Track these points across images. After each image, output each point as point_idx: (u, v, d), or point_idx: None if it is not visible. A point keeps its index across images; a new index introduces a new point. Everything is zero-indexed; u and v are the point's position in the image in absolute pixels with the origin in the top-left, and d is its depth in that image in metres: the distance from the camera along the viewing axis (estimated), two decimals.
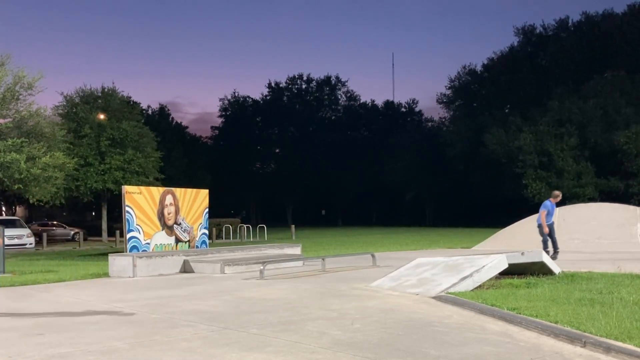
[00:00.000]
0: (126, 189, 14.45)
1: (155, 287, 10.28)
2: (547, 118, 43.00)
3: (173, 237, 15.19)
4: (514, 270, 9.56)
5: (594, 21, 53.63)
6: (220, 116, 77.02)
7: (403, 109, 78.88)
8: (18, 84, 24.15)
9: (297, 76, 77.05)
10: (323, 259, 13.08)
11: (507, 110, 52.40)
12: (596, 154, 42.30)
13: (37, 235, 31.06)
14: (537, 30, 57.29)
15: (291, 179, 69.81)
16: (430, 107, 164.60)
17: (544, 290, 8.11)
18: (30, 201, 26.51)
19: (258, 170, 76.49)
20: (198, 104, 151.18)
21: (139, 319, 7.06)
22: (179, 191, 15.76)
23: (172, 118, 65.31)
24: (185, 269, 13.03)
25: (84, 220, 56.10)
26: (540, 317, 6.18)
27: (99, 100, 35.44)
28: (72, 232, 39.03)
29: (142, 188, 15.62)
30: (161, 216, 14.87)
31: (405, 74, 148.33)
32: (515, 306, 6.82)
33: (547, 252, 11.85)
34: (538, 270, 9.76)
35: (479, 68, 60.89)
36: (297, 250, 15.91)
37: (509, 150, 43.71)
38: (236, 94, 77.30)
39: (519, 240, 18.15)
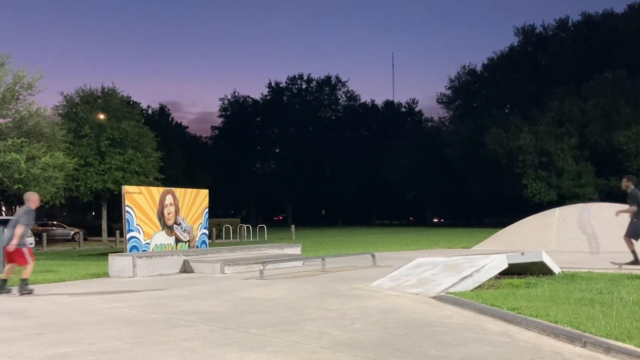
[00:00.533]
0: (126, 189, 14.45)
1: (155, 287, 10.28)
2: (547, 118, 43.03)
3: (173, 237, 15.19)
4: (514, 270, 9.56)
5: (594, 21, 53.65)
6: (220, 116, 77.13)
7: (403, 109, 78.94)
8: (18, 84, 24.15)
9: (297, 76, 77.18)
10: (323, 259, 13.08)
11: (507, 110, 52.43)
12: (596, 154, 42.32)
13: (37, 235, 31.06)
14: (537, 30, 57.34)
15: (291, 179, 69.83)
16: (430, 107, 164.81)
17: (544, 290, 8.11)
18: None
19: (258, 170, 76.53)
20: (198, 104, 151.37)
21: (139, 319, 7.06)
22: (178, 191, 15.77)
23: (172, 118, 65.40)
24: (185, 269, 13.03)
25: (84, 220, 56.11)
26: (540, 317, 6.18)
27: (99, 100, 35.45)
28: (72, 232, 39.04)
29: (142, 188, 15.63)
30: (161, 216, 14.88)
31: (405, 74, 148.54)
32: (515, 306, 6.82)
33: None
34: (538, 270, 9.76)
35: (479, 68, 60.98)
36: (297, 250, 15.91)
37: (509, 150, 43.73)
38: (236, 94, 77.45)
39: (519, 240, 18.14)
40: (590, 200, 36.65)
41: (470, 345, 5.32)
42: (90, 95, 35.41)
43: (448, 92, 63.13)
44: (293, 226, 38.05)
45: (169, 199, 15.16)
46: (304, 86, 77.43)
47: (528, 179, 42.21)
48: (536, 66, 52.90)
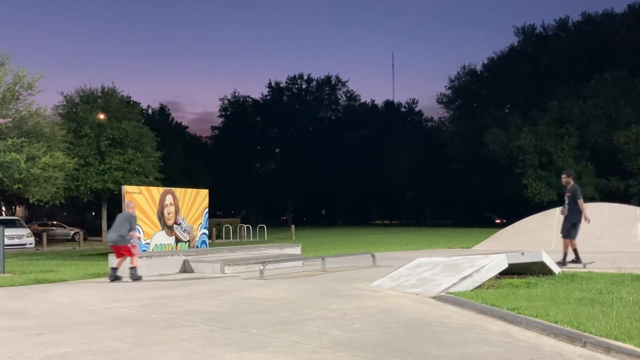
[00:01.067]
0: (126, 188, 14.45)
1: (155, 287, 10.28)
2: (547, 118, 43.01)
3: (173, 237, 15.19)
4: (514, 270, 9.56)
5: (594, 21, 53.63)
6: (220, 116, 77.10)
7: (403, 109, 78.93)
8: (18, 83, 24.14)
9: (297, 76, 77.14)
10: (323, 259, 13.09)
11: (507, 110, 52.40)
12: (596, 154, 42.31)
13: (37, 235, 31.07)
14: (537, 30, 57.31)
15: (291, 179, 69.82)
16: (430, 107, 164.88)
17: (544, 290, 8.11)
18: (30, 201, 26.50)
19: (258, 170, 76.51)
20: (198, 104, 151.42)
21: (139, 319, 7.06)
22: (178, 191, 15.77)
23: (172, 118, 65.41)
24: (185, 269, 13.03)
25: (84, 220, 56.14)
26: (540, 317, 6.18)
27: (99, 100, 35.44)
28: (72, 232, 39.04)
29: (142, 188, 15.63)
30: (161, 216, 14.88)
31: (405, 74, 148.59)
32: (515, 306, 6.82)
33: None
34: (538, 270, 9.76)
35: (479, 68, 60.95)
36: (297, 250, 15.91)
37: (509, 150, 43.73)
38: (236, 94, 77.41)
39: (519, 240, 18.14)
40: (591, 200, 36.65)
41: (470, 345, 5.32)
42: (90, 95, 35.39)
43: (448, 92, 63.12)
44: (293, 226, 38.05)
45: (169, 199, 15.16)
46: (304, 86, 77.41)
47: (528, 179, 42.20)
48: (536, 66, 52.89)
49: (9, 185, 23.55)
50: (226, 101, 76.74)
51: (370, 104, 78.71)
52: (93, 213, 61.92)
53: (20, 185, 23.32)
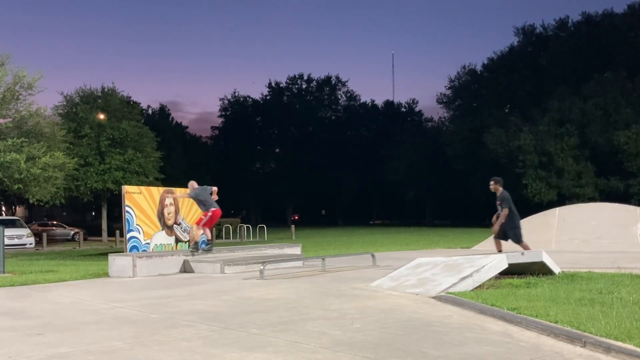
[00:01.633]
0: (126, 188, 14.44)
1: (155, 287, 10.28)
2: (547, 118, 43.02)
3: (173, 237, 15.18)
4: (513, 270, 9.56)
5: (594, 21, 53.60)
6: (220, 116, 77.11)
7: (403, 109, 78.96)
8: (18, 84, 24.16)
9: (297, 76, 77.17)
10: (323, 259, 13.08)
11: (507, 110, 52.40)
12: (596, 154, 42.32)
13: (37, 235, 31.09)
14: (537, 30, 57.29)
15: (291, 179, 69.83)
16: (430, 107, 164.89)
17: (544, 290, 8.11)
18: (30, 201, 26.52)
19: (258, 170, 76.53)
20: (198, 104, 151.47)
21: (139, 319, 7.06)
22: (179, 191, 15.75)
23: (172, 118, 65.40)
24: (185, 268, 13.02)
25: (84, 220, 56.16)
26: (540, 317, 6.18)
27: (99, 100, 35.46)
28: (72, 232, 39.07)
29: (142, 188, 15.61)
30: (161, 216, 14.86)
31: (405, 74, 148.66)
32: (515, 306, 6.82)
33: None
34: (538, 270, 9.76)
35: (479, 68, 60.93)
36: (297, 250, 15.90)
37: (509, 150, 43.74)
38: (236, 94, 77.43)
39: None
40: (591, 200, 36.64)
41: (470, 345, 5.32)
42: (90, 95, 35.41)
43: (448, 92, 63.11)
44: (293, 226, 38.08)
45: (169, 199, 15.15)
46: (304, 86, 77.43)
47: (528, 179, 42.20)
48: (536, 66, 52.87)
49: (9, 185, 23.56)
50: (226, 101, 76.80)
51: (370, 104, 78.76)
52: (93, 213, 61.94)
53: (20, 185, 23.33)
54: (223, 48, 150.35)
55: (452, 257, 10.15)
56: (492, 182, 11.98)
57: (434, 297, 8.01)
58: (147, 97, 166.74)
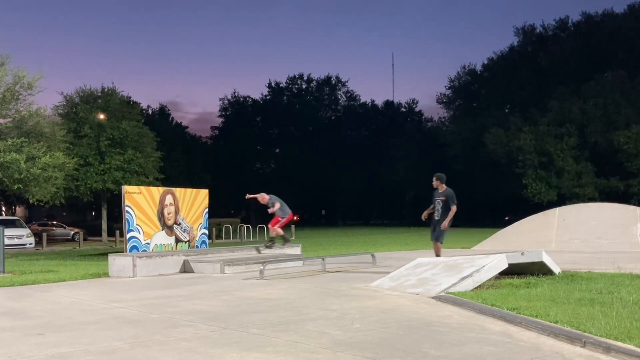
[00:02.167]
0: (126, 188, 14.44)
1: (155, 287, 10.28)
2: (547, 118, 43.04)
3: (173, 237, 15.18)
4: (513, 270, 9.56)
5: (594, 21, 53.63)
6: (220, 116, 77.10)
7: (403, 109, 78.95)
8: (18, 84, 24.14)
9: (297, 76, 77.19)
10: (323, 259, 13.09)
11: (507, 110, 52.43)
12: (596, 154, 42.33)
13: (37, 235, 31.08)
14: (537, 30, 57.33)
15: (291, 179, 69.81)
16: (430, 107, 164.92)
17: (544, 290, 8.11)
18: (30, 201, 26.51)
19: (258, 170, 76.49)
20: (198, 104, 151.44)
21: (139, 319, 7.06)
22: (178, 191, 15.75)
23: (172, 118, 65.40)
24: (185, 269, 13.03)
25: (84, 220, 56.18)
26: (540, 317, 6.18)
27: (99, 100, 35.44)
28: (72, 232, 39.06)
29: (142, 188, 15.61)
30: (161, 216, 14.86)
31: (405, 74, 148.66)
32: (515, 306, 6.82)
33: None
34: (538, 270, 9.76)
35: (479, 68, 60.96)
36: (297, 250, 15.90)
37: (509, 150, 43.74)
38: (236, 94, 77.42)
39: (519, 240, 18.15)
40: (591, 200, 36.64)
41: (470, 345, 5.32)
42: (90, 95, 35.39)
43: (448, 92, 63.15)
44: (293, 226, 38.03)
45: (168, 199, 15.15)
46: (304, 86, 77.44)
47: (528, 179, 42.21)
48: (536, 66, 52.90)
49: (8, 185, 23.55)
50: (226, 101, 76.80)
51: (370, 104, 78.75)
52: (93, 213, 61.96)
53: (20, 185, 23.32)
54: (223, 48, 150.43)
55: (452, 257, 10.15)
56: (434, 178, 11.72)
57: (434, 297, 8.01)
58: (147, 97, 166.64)
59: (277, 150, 77.33)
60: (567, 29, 55.54)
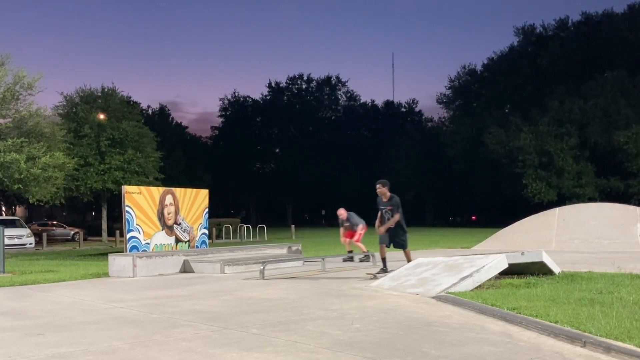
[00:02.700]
0: (126, 189, 14.45)
1: (155, 287, 10.28)
2: (547, 118, 43.01)
3: (173, 237, 15.19)
4: (513, 270, 9.56)
5: (594, 21, 53.61)
6: (220, 116, 77.05)
7: (403, 109, 78.91)
8: (18, 84, 24.15)
9: (297, 76, 77.12)
10: (323, 259, 13.10)
11: (507, 110, 52.41)
12: (596, 154, 42.31)
13: (37, 235, 31.07)
14: (537, 30, 57.29)
15: (291, 179, 69.78)
16: (430, 107, 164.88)
17: (544, 290, 8.10)
18: (30, 201, 26.51)
19: (258, 170, 76.46)
20: (198, 104, 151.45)
21: (139, 319, 7.06)
22: (178, 191, 15.76)
23: (172, 118, 65.39)
24: (185, 269, 13.03)
25: (84, 220, 56.19)
26: (540, 317, 6.18)
27: (99, 100, 35.45)
28: (72, 232, 39.05)
29: (142, 188, 15.62)
30: (161, 216, 14.87)
31: (405, 74, 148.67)
32: (515, 306, 6.81)
33: None
34: (538, 270, 9.76)
35: (479, 68, 60.94)
36: (297, 250, 15.91)
37: (509, 150, 43.73)
38: (236, 94, 77.37)
39: (518, 240, 18.15)
40: (591, 200, 36.64)
41: (470, 345, 5.32)
42: (90, 95, 35.40)
43: (448, 92, 63.11)
44: (293, 226, 38.06)
45: (168, 199, 15.16)
46: (304, 86, 77.39)
47: (528, 179, 42.19)
48: (536, 66, 52.89)
49: (9, 185, 23.56)
50: (226, 101, 76.74)
51: (370, 104, 78.71)
52: (93, 213, 61.94)
53: (20, 185, 23.32)
54: (223, 48, 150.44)
55: (452, 257, 10.15)
56: (378, 185, 11.20)
57: (434, 297, 8.01)
58: (147, 97, 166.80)
59: (277, 150, 77.29)
60: (567, 29, 55.52)
